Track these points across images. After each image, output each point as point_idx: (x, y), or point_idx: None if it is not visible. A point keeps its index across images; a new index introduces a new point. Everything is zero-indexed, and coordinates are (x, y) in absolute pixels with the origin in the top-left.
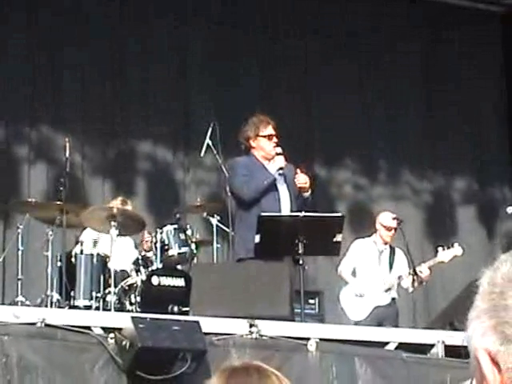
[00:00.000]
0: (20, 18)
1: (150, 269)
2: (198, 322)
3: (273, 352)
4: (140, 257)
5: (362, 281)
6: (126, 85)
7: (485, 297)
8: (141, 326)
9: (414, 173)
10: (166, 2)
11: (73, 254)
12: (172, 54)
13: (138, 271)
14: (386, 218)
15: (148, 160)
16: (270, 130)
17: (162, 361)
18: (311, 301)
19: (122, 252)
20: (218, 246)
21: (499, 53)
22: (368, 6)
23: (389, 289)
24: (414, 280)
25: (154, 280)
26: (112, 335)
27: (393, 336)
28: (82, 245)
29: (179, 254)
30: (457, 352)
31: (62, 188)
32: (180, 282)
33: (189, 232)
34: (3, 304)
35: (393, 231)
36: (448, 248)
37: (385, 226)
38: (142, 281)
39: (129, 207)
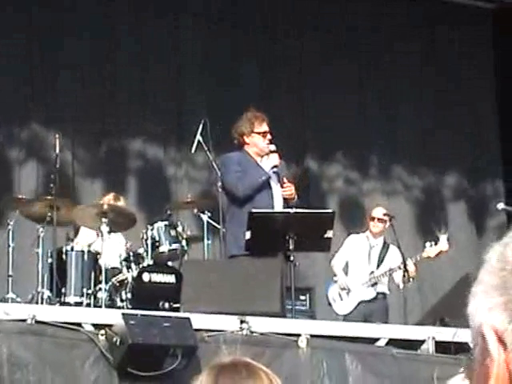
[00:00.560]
0: (17, 18)
1: (140, 265)
2: (188, 319)
3: (263, 348)
4: (131, 253)
5: (350, 276)
6: (118, 83)
7: (494, 272)
8: (131, 322)
9: (405, 168)
10: (165, 1)
11: (63, 250)
12: (167, 52)
13: (128, 268)
14: (375, 211)
15: (139, 157)
16: (264, 127)
17: (152, 357)
18: (302, 297)
19: (113, 249)
20: (209, 242)
21: (490, 50)
22: (368, 5)
23: (375, 283)
24: (404, 276)
25: (145, 277)
26: (103, 332)
27: (383, 332)
28: (72, 241)
29: (170, 250)
30: (447, 348)
31: (52, 184)
32: (171, 278)
33: (179, 228)
34: None
35: (381, 223)
36: (435, 243)
37: (372, 218)
38: (132, 277)
39: (121, 203)
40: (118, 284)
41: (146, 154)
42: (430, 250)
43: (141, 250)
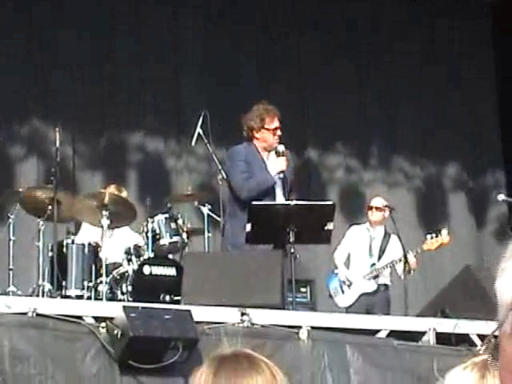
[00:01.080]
0: (17, 17)
1: (141, 258)
2: (189, 311)
3: (264, 340)
4: (132, 246)
5: (351, 268)
6: (118, 79)
7: None
8: (132, 315)
9: (406, 159)
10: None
11: (64, 243)
12: (166, 49)
13: (129, 260)
14: (373, 201)
15: (139, 150)
16: (275, 123)
17: (153, 350)
18: (303, 289)
19: (114, 241)
20: (210, 235)
21: (490, 43)
22: (368, 5)
23: (376, 276)
24: (404, 267)
25: (146, 269)
26: (104, 324)
27: (384, 324)
28: (73, 234)
29: (170, 243)
30: (448, 339)
31: (53, 178)
32: (171, 271)
33: (180, 221)
34: None
35: (379, 212)
36: (436, 236)
37: (370, 207)
38: (133, 270)
39: (124, 194)
40: (118, 277)
41: (146, 147)
42: (431, 243)
43: (141, 243)
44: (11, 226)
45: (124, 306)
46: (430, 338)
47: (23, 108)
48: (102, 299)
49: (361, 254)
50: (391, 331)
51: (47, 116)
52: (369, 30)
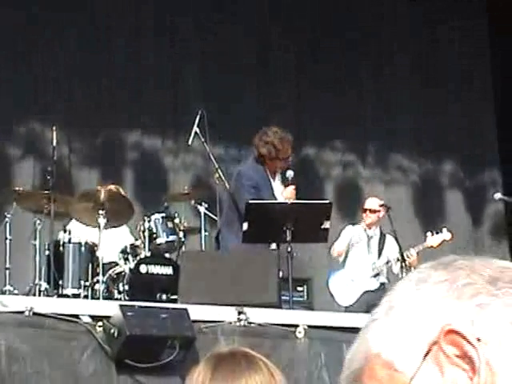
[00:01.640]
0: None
1: (138, 257)
2: (186, 310)
3: (261, 339)
4: (128, 245)
5: (351, 266)
6: (115, 75)
7: None
8: (129, 313)
9: (404, 157)
10: None
11: (61, 242)
12: (162, 42)
13: (126, 260)
14: (369, 202)
15: (136, 149)
16: (289, 152)
17: (150, 349)
18: (300, 288)
19: (111, 241)
20: (206, 233)
21: (486, 43)
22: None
23: (377, 274)
24: (402, 266)
25: (143, 268)
26: (100, 323)
27: None
28: (69, 233)
29: (167, 242)
30: None
31: (49, 177)
32: (168, 270)
33: (177, 220)
34: None
35: (373, 214)
36: (437, 233)
37: (364, 210)
38: (130, 269)
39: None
40: (115, 276)
41: (143, 146)
42: (433, 239)
43: (138, 242)
44: (8, 224)
45: (121, 305)
46: None
47: (20, 107)
48: (98, 298)
49: (359, 253)
50: None
51: (44, 115)
52: (369, 30)
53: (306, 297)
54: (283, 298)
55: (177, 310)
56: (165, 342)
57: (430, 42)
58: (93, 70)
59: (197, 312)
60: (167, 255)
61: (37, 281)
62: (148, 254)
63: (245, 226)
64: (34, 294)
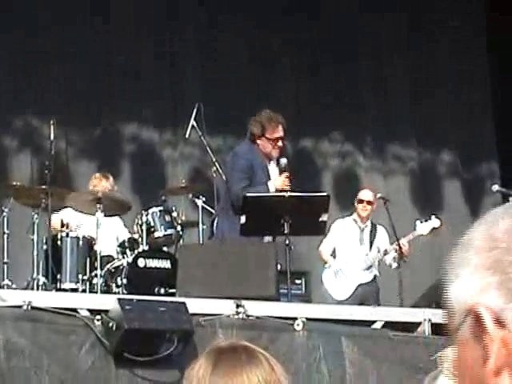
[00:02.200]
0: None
1: (136, 251)
2: (184, 303)
3: (260, 332)
4: (126, 239)
5: (343, 260)
6: (113, 68)
7: (482, 252)
8: (127, 307)
9: (402, 149)
10: None
11: (59, 237)
12: (161, 34)
13: (124, 253)
14: (365, 193)
15: (134, 142)
16: (277, 133)
17: (148, 342)
18: (298, 281)
19: (108, 234)
20: (204, 227)
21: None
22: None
23: (370, 266)
24: (394, 257)
25: (140, 262)
26: (99, 317)
27: (379, 315)
28: (67, 227)
29: (165, 235)
30: (444, 330)
31: (47, 171)
32: (166, 263)
33: (174, 214)
34: None
35: (370, 206)
36: (426, 221)
37: (361, 200)
38: (128, 263)
39: (111, 180)
40: (113, 270)
41: (140, 139)
42: (423, 228)
43: (136, 236)
44: (5, 219)
45: (119, 299)
46: (425, 329)
47: (18, 101)
48: (96, 292)
49: (351, 246)
50: (386, 322)
51: (41, 108)
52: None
53: (304, 290)
54: (281, 291)
55: (175, 303)
56: (163, 336)
57: (428, 33)
58: (91, 61)
59: (195, 305)
60: (165, 249)
61: (35, 275)
62: (146, 248)
63: (242, 219)
64: (32, 288)
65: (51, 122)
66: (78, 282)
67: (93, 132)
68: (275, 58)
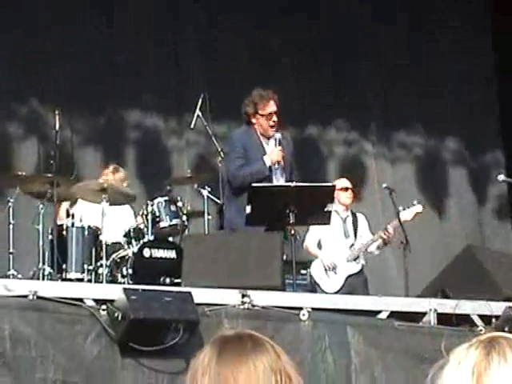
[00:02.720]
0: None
1: (141, 241)
2: (190, 293)
3: (265, 322)
4: (131, 229)
5: (330, 252)
6: (117, 57)
7: None
8: (133, 297)
9: (407, 136)
10: None
11: (64, 227)
12: (164, 22)
13: (129, 243)
14: (343, 181)
15: (139, 132)
16: (269, 108)
17: (154, 332)
18: (303, 271)
19: (115, 223)
20: (209, 217)
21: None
22: None
23: (357, 257)
24: (379, 246)
25: (146, 252)
26: (104, 307)
27: (385, 305)
28: (73, 217)
29: (170, 225)
30: (449, 320)
31: (52, 161)
32: (171, 253)
33: (180, 204)
34: None
35: (352, 193)
36: (408, 207)
37: (345, 188)
38: (133, 253)
39: (121, 174)
40: (118, 260)
41: (146, 128)
42: (406, 214)
43: (141, 226)
44: (11, 209)
45: (124, 289)
46: (430, 319)
47: (22, 90)
48: (102, 282)
49: (335, 237)
50: (392, 312)
51: (46, 98)
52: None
53: (308, 280)
54: (287, 281)
55: (180, 293)
56: (169, 326)
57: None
58: (96, 53)
59: (200, 295)
60: (170, 239)
61: (40, 265)
62: (151, 238)
63: (248, 209)
64: (38, 278)
65: (56, 113)
66: (83, 271)
67: (98, 121)
68: (275, 58)
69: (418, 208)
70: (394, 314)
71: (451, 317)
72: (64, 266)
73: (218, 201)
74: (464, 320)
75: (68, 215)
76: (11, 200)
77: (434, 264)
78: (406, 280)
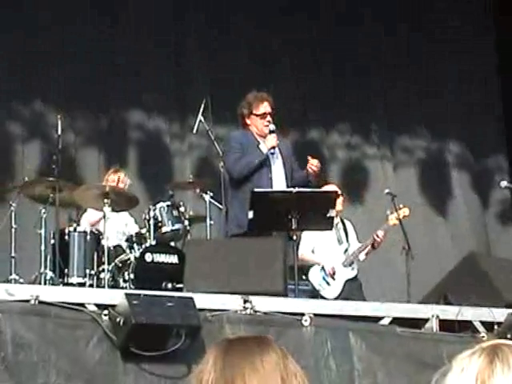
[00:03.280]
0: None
1: (143, 246)
2: (191, 298)
3: (267, 327)
4: (134, 234)
5: (326, 259)
6: (119, 58)
7: None
8: (135, 302)
9: (409, 139)
10: None
11: (66, 231)
12: (164, 22)
13: (131, 248)
14: (334, 187)
15: (142, 136)
16: (263, 108)
17: (156, 337)
18: (305, 277)
19: (118, 228)
20: (211, 222)
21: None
22: None
23: (352, 262)
24: (368, 252)
25: (148, 257)
26: (106, 312)
27: (387, 311)
28: (77, 223)
29: (172, 230)
30: (451, 326)
31: (54, 166)
32: (173, 258)
33: (182, 208)
34: None
35: (341, 197)
36: (396, 210)
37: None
38: (135, 258)
39: (121, 174)
40: (120, 264)
41: (148, 133)
42: (395, 217)
43: (143, 231)
44: (13, 213)
45: (126, 294)
46: (433, 325)
47: (23, 90)
48: (103, 287)
49: (329, 243)
50: (394, 318)
51: (47, 98)
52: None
53: (311, 285)
54: (289, 286)
55: (182, 298)
56: (170, 331)
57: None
58: (98, 53)
59: (202, 300)
60: (172, 244)
61: (42, 269)
62: (153, 243)
63: (250, 214)
64: (40, 283)
65: (58, 117)
66: (85, 276)
67: (98, 122)
68: (275, 58)
69: (406, 211)
70: (396, 320)
71: (453, 323)
72: (66, 271)
73: (220, 206)
74: (466, 326)
75: (70, 220)
76: (13, 204)
77: (436, 268)
78: (408, 286)
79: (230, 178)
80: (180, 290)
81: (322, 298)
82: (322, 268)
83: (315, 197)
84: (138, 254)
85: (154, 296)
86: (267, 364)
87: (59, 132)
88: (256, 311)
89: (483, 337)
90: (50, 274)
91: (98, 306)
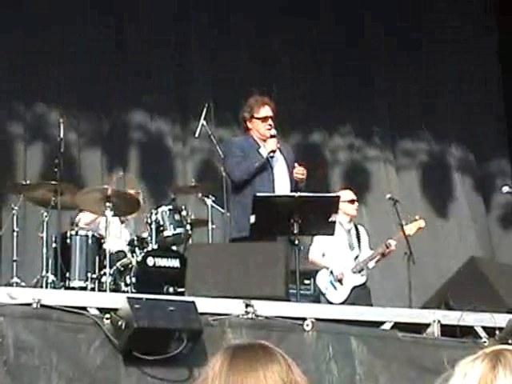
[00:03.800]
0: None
1: (145, 250)
2: (193, 303)
3: (269, 332)
4: (135, 238)
5: (336, 264)
6: (124, 61)
7: None
8: (136, 306)
9: (411, 140)
10: None
11: (68, 235)
12: (165, 22)
13: (133, 252)
14: (349, 194)
15: (144, 139)
16: (265, 112)
17: (157, 341)
18: (307, 281)
19: (119, 232)
20: (213, 226)
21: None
22: None
23: (362, 269)
24: (380, 256)
25: (150, 261)
26: (108, 316)
27: (389, 315)
28: (77, 225)
29: (174, 234)
30: (453, 331)
31: (56, 169)
32: (175, 262)
33: (184, 213)
34: None
35: (356, 203)
36: (411, 222)
37: (352, 201)
38: (137, 262)
39: (127, 180)
40: (122, 268)
41: (150, 135)
42: (410, 228)
43: (145, 235)
44: (15, 217)
45: (128, 297)
46: (434, 330)
47: (23, 90)
48: (105, 291)
49: (340, 248)
50: (396, 323)
51: (47, 98)
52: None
53: (313, 290)
54: (290, 291)
55: (184, 302)
56: (172, 335)
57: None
58: (102, 56)
59: (204, 305)
60: (174, 248)
61: (44, 273)
62: (155, 247)
63: (252, 218)
64: (42, 287)
65: (60, 121)
66: (87, 280)
67: (99, 123)
68: (275, 58)
69: (421, 223)
70: (397, 325)
71: (455, 328)
72: (68, 274)
73: (222, 210)
74: (467, 332)
75: (72, 223)
76: (15, 207)
77: (438, 273)
78: (409, 291)
79: (231, 182)
80: (182, 294)
81: (328, 302)
82: (331, 272)
83: (318, 201)
84: (139, 258)
85: (156, 300)
86: (271, 375)
87: (61, 135)
88: (258, 316)
89: (484, 342)
90: (51, 277)
91: (99, 309)
